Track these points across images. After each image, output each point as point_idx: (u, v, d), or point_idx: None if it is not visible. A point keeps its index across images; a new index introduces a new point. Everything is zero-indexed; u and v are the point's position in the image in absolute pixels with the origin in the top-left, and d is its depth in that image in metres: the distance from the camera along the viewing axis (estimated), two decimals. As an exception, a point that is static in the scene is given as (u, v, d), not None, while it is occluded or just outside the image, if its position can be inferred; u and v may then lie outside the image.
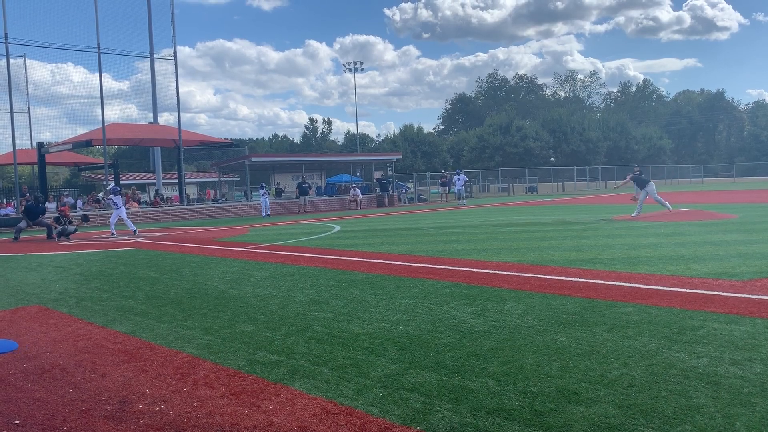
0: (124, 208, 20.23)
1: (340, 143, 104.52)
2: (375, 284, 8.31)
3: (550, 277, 8.35)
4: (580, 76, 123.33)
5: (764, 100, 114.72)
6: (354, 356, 5.00)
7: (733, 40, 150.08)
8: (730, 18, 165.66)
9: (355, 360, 4.89)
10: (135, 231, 19.61)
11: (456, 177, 36.91)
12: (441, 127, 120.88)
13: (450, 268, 9.59)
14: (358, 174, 45.98)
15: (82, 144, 32.77)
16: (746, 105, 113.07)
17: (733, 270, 8.25)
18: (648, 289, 7.25)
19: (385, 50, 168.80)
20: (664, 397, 3.84)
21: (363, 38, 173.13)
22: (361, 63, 73.14)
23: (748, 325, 5.42)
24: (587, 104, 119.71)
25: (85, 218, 21.14)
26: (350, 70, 70.84)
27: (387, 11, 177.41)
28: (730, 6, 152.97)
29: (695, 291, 7.03)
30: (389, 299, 7.22)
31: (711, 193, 37.72)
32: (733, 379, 4.10)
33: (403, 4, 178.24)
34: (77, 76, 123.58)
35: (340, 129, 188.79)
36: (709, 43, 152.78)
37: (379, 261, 10.74)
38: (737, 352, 4.67)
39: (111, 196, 20.42)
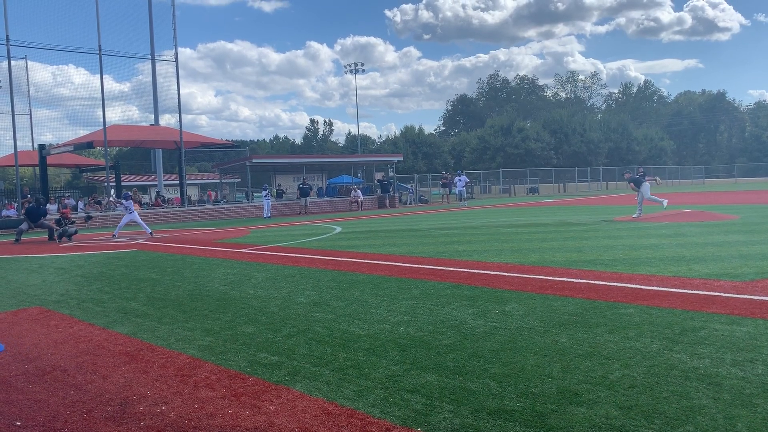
0: (135, 212, 20.20)
1: (341, 144, 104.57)
2: (376, 285, 8.31)
3: (551, 278, 8.34)
4: (581, 77, 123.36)
5: (765, 100, 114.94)
6: (355, 357, 5.00)
7: (734, 40, 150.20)
8: (731, 19, 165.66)
9: (356, 361, 4.89)
10: (151, 233, 19.61)
11: (457, 178, 36.91)
12: (442, 128, 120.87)
13: (451, 269, 9.59)
14: (359, 175, 45.98)
15: (83, 146, 32.79)
16: (747, 105, 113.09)
17: (734, 271, 8.24)
18: (649, 290, 7.24)
19: (386, 51, 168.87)
20: (665, 398, 3.83)
21: (364, 39, 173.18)
22: (362, 64, 72.99)
23: (750, 326, 5.41)
24: (588, 105, 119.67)
25: (88, 218, 21.09)
26: (351, 71, 70.85)
27: (388, 12, 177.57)
28: (731, 7, 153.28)
29: (697, 292, 7.02)
30: (390, 300, 7.22)
31: (712, 194, 37.69)
32: (735, 380, 4.09)
33: (404, 6, 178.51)
34: (78, 77, 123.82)
35: (341, 130, 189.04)
36: (710, 43, 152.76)
37: (380, 262, 10.74)
38: (739, 353, 4.66)
39: (122, 201, 20.44)
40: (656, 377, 4.22)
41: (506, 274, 8.85)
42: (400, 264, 10.38)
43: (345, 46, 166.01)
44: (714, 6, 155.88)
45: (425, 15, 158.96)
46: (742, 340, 4.99)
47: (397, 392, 4.15)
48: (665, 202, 19.35)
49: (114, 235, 19.47)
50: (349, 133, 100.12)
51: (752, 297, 6.62)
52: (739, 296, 6.68)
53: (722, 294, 6.84)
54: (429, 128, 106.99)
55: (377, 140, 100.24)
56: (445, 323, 6.00)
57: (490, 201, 41.59)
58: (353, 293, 7.81)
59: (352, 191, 36.95)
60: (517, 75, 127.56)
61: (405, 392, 4.15)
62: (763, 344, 4.87)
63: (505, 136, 74.84)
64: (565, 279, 8.21)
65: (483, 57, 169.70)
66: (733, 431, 3.35)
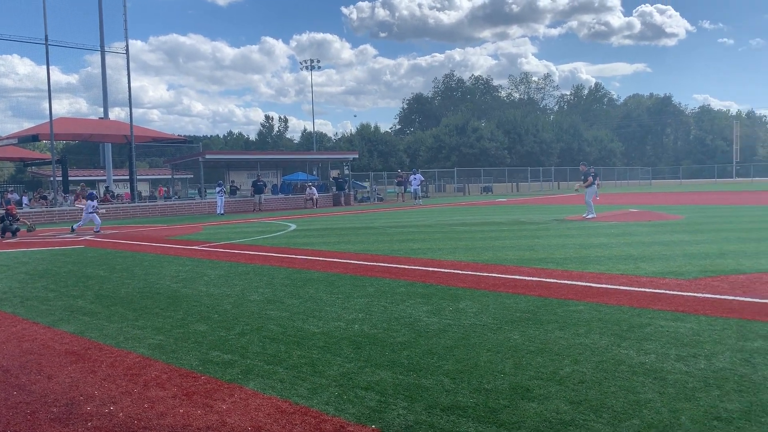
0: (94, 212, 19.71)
1: (296, 141, 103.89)
2: (331, 283, 8.29)
3: (504, 276, 8.46)
4: (534, 78, 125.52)
5: (709, 105, 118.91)
6: (309, 355, 4.97)
7: (680, 46, 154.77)
8: (678, 25, 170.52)
9: (311, 359, 4.87)
10: (98, 230, 19.13)
11: (412, 177, 37.12)
12: (398, 126, 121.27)
13: (406, 267, 9.63)
14: (314, 173, 45.75)
15: (28, 139, 31.67)
16: (692, 109, 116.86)
17: (679, 269, 8.52)
18: (599, 287, 7.42)
19: (342, 49, 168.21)
20: (613, 393, 3.94)
21: (320, 36, 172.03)
22: (318, 61, 72.78)
23: (693, 323, 5.60)
24: (541, 106, 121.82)
25: (31, 229, 20.25)
26: (307, 67, 70.44)
27: (344, 10, 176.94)
28: (678, 13, 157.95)
29: (643, 290, 7.23)
30: (345, 298, 7.21)
31: (659, 195, 38.86)
32: (679, 375, 4.23)
33: (360, 3, 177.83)
34: (23, 68, 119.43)
35: (296, 127, 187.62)
36: (657, 48, 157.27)
37: (335, 260, 10.71)
38: (682, 349, 4.82)
39: (87, 201, 20.02)
40: (605, 372, 4.33)
41: (460, 272, 8.94)
42: (355, 262, 10.37)
43: (301, 42, 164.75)
44: (662, 12, 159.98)
45: (382, 13, 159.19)
46: (686, 336, 5.17)
47: (352, 390, 4.15)
48: (591, 216, 18.78)
49: (73, 229, 19.14)
50: (305, 130, 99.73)
51: (695, 294, 6.86)
52: (683, 294, 6.91)
53: (668, 291, 7.06)
54: (385, 126, 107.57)
55: (333, 138, 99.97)
56: (399, 321, 6.02)
57: (444, 200, 41.93)
58: (307, 291, 7.76)
59: (307, 188, 36.75)
60: (472, 75, 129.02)
61: (359, 389, 4.14)
62: (706, 340, 5.05)
63: (460, 135, 75.57)
64: (517, 277, 8.34)
65: (439, 56, 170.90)
66: (677, 424, 3.46)
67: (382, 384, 4.24)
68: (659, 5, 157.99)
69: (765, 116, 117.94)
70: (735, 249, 10.42)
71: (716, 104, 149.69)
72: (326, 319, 6.21)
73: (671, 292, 7.00)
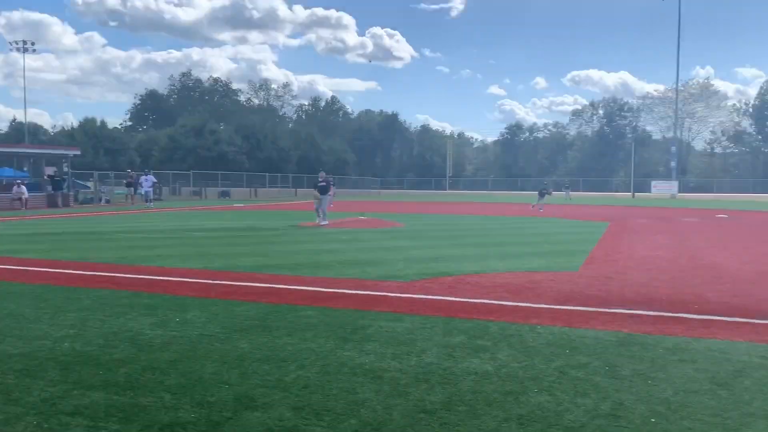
0: None
1: (2, 132, 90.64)
2: (37, 296, 7.32)
3: (236, 283, 8.33)
4: (273, 86, 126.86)
5: (429, 124, 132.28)
6: (3, 381, 4.29)
7: (406, 69, 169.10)
8: (404, 49, 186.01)
9: (5, 386, 4.21)
10: None
11: (143, 177, 34.93)
12: (129, 123, 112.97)
13: (131, 276, 8.95)
14: (25, 169, 40.35)
15: None
16: (415, 128, 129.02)
17: (399, 273, 9.25)
18: (328, 291, 7.70)
19: (63, 33, 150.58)
20: (334, 395, 4.07)
21: (36, 16, 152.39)
22: (33, 43, 64.70)
23: (408, 322, 6.10)
24: (281, 114, 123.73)
25: None
26: (18, 49, 62.17)
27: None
28: (405, 39, 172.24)
29: (368, 292, 7.69)
30: (54, 313, 6.42)
31: (385, 203, 42.03)
32: (394, 372, 4.55)
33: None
34: None
35: (3, 115, 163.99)
36: (387, 69, 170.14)
37: (44, 269, 9.52)
38: (398, 347, 5.21)
39: None
40: (328, 375, 4.47)
41: (190, 280, 8.58)
42: (71, 271, 9.34)
43: (11, 20, 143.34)
44: (390, 36, 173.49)
45: (112, 0, 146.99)
46: (402, 335, 5.60)
47: (55, 416, 3.68)
48: (325, 222, 19.56)
49: None
50: (14, 119, 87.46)
51: (412, 296, 7.49)
52: (402, 295, 7.51)
53: (389, 294, 7.61)
54: (114, 122, 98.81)
55: (51, 130, 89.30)
56: (118, 335, 5.54)
57: (179, 203, 40.15)
58: (6, 306, 6.75)
59: (15, 187, 32.21)
60: (211, 76, 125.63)
61: (64, 416, 3.69)
62: (418, 337, 5.52)
63: (197, 137, 73.26)
64: (249, 284, 8.27)
65: (175, 53, 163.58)
66: (390, 420, 3.70)
67: (92, 407, 3.83)
68: (388, 29, 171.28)
69: (472, 138, 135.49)
70: (445, 254, 11.67)
71: (435, 124, 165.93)
72: (28, 338, 5.45)
73: (392, 294, 7.55)
